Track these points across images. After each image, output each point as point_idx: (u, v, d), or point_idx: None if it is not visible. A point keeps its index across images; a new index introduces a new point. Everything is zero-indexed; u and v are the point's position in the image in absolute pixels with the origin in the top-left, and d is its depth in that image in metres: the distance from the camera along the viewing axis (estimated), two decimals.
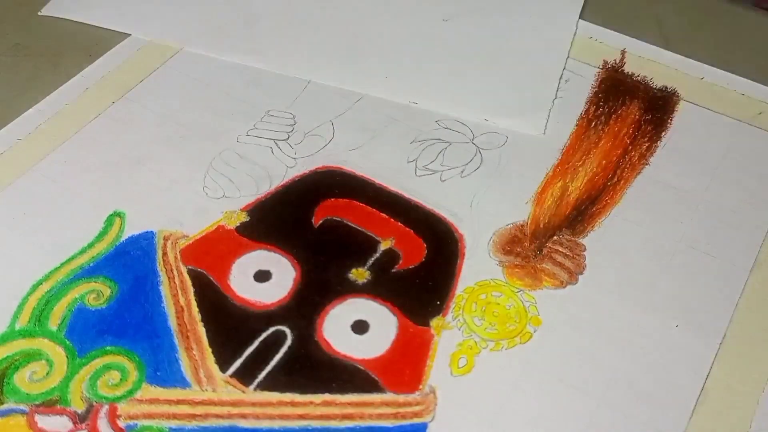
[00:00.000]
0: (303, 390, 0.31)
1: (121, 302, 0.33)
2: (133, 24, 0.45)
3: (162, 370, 0.31)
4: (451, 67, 0.43)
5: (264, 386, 0.31)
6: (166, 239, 0.35)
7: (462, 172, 0.38)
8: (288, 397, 0.30)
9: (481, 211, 0.36)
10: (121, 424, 0.30)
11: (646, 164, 0.38)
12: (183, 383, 0.31)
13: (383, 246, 0.35)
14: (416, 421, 0.30)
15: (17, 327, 0.32)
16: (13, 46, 0.44)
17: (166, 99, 0.41)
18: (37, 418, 0.30)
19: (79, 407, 0.30)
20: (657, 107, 0.41)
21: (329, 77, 0.42)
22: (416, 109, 0.41)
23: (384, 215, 0.36)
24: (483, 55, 0.44)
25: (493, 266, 0.34)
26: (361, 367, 0.31)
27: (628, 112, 0.40)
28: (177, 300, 0.33)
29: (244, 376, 0.31)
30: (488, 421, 0.30)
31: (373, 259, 0.34)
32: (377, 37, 0.45)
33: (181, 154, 0.39)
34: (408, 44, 0.44)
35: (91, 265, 0.34)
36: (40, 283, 0.33)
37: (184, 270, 0.34)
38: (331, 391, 0.30)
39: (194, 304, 0.33)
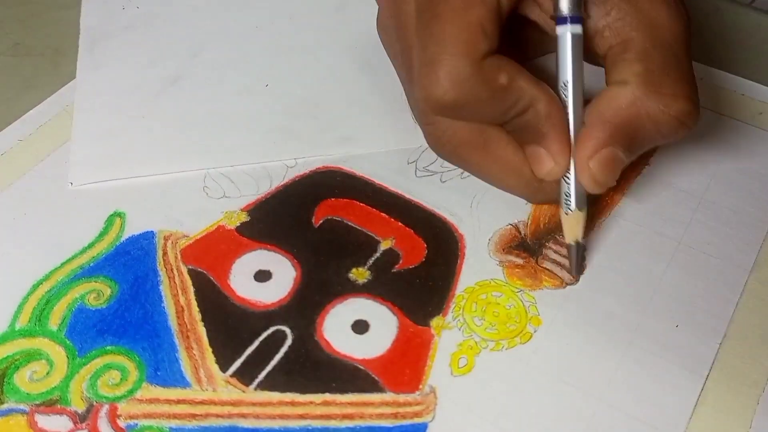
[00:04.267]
0: (303, 390, 0.31)
1: (122, 302, 0.33)
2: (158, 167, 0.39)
3: (162, 369, 0.31)
4: None
5: (264, 386, 0.31)
6: (166, 239, 0.35)
7: (462, 173, 0.38)
8: (288, 396, 0.30)
9: (482, 211, 0.36)
10: (121, 423, 0.30)
11: (646, 164, 0.38)
12: (183, 383, 0.31)
13: (383, 246, 0.35)
14: (416, 421, 0.30)
15: (17, 327, 0.32)
16: (13, 46, 0.44)
17: None
18: (38, 417, 0.30)
19: (80, 407, 0.30)
20: None
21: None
22: None
23: (384, 215, 0.36)
24: None
25: (493, 266, 0.34)
26: (361, 367, 0.31)
27: None
28: (177, 300, 0.33)
29: (245, 375, 0.31)
30: (488, 421, 0.30)
31: (373, 258, 0.34)
32: None
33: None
34: None
35: (91, 264, 0.34)
36: (40, 282, 0.33)
37: (184, 270, 0.34)
38: (331, 390, 0.31)
39: (194, 303, 0.33)
